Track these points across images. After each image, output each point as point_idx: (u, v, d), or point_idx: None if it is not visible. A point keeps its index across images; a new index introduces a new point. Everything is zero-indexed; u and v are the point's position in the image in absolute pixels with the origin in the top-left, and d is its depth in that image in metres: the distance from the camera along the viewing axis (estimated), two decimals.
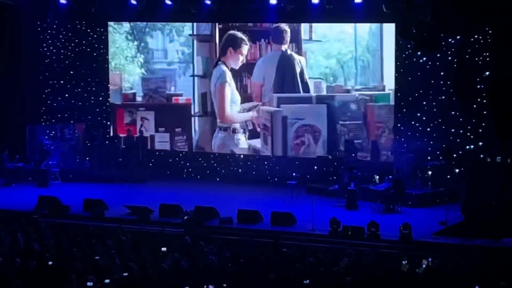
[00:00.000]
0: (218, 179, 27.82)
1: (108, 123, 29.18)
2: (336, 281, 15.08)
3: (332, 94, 26.39)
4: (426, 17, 21.59)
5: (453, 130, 24.61)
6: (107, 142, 28.64)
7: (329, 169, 25.91)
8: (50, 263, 16.12)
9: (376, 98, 25.94)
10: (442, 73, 24.75)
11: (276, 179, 26.95)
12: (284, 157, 27.14)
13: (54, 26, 28.98)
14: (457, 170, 24.11)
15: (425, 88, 25.04)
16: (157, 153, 28.81)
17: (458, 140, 24.50)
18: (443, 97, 24.78)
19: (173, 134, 28.34)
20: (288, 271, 15.60)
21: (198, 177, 28.11)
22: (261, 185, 26.71)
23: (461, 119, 24.46)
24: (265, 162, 27.51)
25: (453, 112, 24.59)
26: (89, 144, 28.97)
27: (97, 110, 29.28)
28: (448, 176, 24.25)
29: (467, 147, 24.11)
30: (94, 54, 29.18)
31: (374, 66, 26.21)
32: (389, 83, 25.79)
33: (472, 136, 24.22)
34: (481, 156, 23.42)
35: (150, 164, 28.58)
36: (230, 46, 27.34)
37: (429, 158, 24.58)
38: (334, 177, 25.16)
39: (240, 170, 27.81)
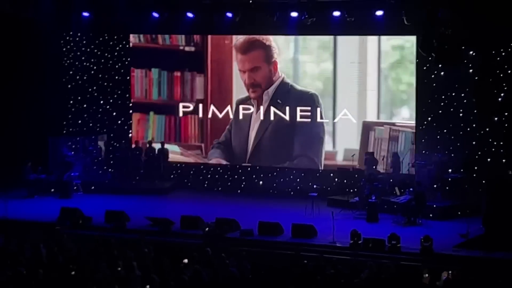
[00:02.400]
0: (239, 191, 27.88)
1: (130, 135, 29.31)
2: None
3: None
4: (448, 30, 21.62)
5: (474, 142, 24.56)
6: (128, 154, 28.76)
7: (350, 182, 25.90)
8: (72, 273, 16.22)
9: None
10: (463, 86, 24.72)
11: (296, 191, 26.98)
12: (305, 169, 27.18)
13: (77, 39, 29.22)
14: (478, 183, 24.09)
15: (446, 101, 25.02)
16: (178, 164, 28.90)
17: (479, 153, 24.45)
18: (464, 110, 24.75)
19: None
20: (308, 283, 15.61)
21: (220, 189, 28.17)
22: (282, 197, 26.77)
23: (482, 132, 24.41)
24: (286, 174, 27.53)
25: (474, 125, 24.55)
26: (111, 156, 29.14)
27: (119, 122, 29.42)
28: (469, 189, 24.22)
29: (488, 159, 24.08)
30: (116, 66, 29.33)
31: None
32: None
33: (493, 149, 24.17)
34: (503, 168, 23.42)
35: (172, 176, 28.69)
36: None
37: (450, 170, 24.55)
38: (355, 190, 25.17)
39: (261, 182, 27.86)
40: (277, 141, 26.37)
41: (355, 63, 26.45)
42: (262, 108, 26.29)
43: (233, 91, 24.90)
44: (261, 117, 26.54)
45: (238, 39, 24.75)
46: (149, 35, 26.19)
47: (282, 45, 26.17)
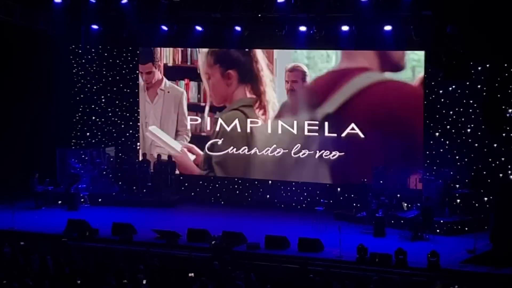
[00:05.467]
0: (245, 204, 27.89)
1: (138, 147, 29.39)
2: None
3: None
4: (456, 46, 21.64)
5: (482, 158, 24.52)
6: (136, 166, 28.80)
7: (357, 196, 25.88)
8: (78, 285, 16.25)
9: None
10: (471, 101, 24.73)
11: (303, 205, 27.01)
12: (312, 183, 27.22)
13: (86, 51, 29.34)
14: (486, 198, 24.05)
15: (454, 116, 25.02)
16: (182, 177, 28.93)
17: (487, 169, 24.40)
18: (472, 125, 24.74)
19: None
20: None
21: (227, 202, 28.15)
22: (288, 210, 26.79)
23: (490, 147, 24.37)
24: (293, 188, 27.55)
25: (482, 141, 24.52)
26: (117, 166, 29.19)
27: (127, 134, 29.51)
28: (477, 204, 24.19)
29: (496, 175, 24.02)
30: (125, 78, 29.46)
31: None
32: None
33: (501, 165, 24.11)
34: (510, 184, 23.37)
35: (179, 189, 28.72)
36: None
37: (457, 186, 24.52)
38: (362, 204, 25.13)
39: (268, 196, 27.87)
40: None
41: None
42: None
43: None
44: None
45: (289, 65, 27.62)
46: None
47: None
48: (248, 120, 27.95)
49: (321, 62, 27.42)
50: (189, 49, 28.58)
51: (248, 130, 27.93)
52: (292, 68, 27.51)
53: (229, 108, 28.27)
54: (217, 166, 28.56)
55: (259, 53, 27.85)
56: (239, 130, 28.09)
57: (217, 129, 28.40)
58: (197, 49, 28.52)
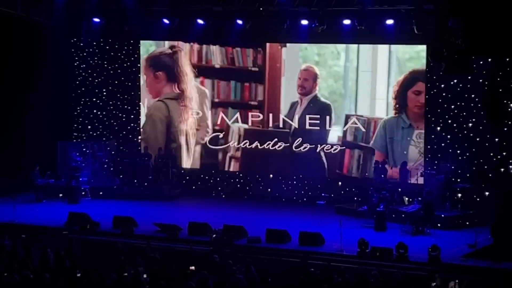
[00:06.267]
0: (245, 197, 27.89)
1: (139, 140, 29.39)
2: None
3: None
4: (458, 39, 21.58)
5: (483, 152, 24.50)
6: (137, 159, 28.80)
7: (358, 190, 25.87)
8: (79, 278, 16.23)
9: None
10: (473, 96, 24.70)
11: (304, 199, 27.00)
12: (314, 177, 27.21)
13: (87, 44, 29.31)
14: (487, 193, 24.03)
15: (455, 110, 25.00)
16: (183, 171, 28.93)
17: (488, 163, 24.38)
18: (473, 120, 24.73)
19: None
20: None
21: (227, 195, 28.17)
22: (289, 204, 26.78)
23: (491, 142, 24.35)
24: (294, 182, 27.54)
25: (483, 135, 24.50)
26: (118, 159, 29.19)
27: (128, 127, 29.50)
28: (478, 199, 24.17)
29: (497, 170, 24.00)
30: (126, 72, 29.43)
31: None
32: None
33: (502, 159, 24.09)
34: (511, 179, 23.36)
35: (183, 182, 28.71)
36: None
37: (459, 180, 24.50)
38: (362, 198, 25.13)
39: (269, 189, 27.86)
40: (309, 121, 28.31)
41: (367, 72, 26.99)
42: (303, 105, 27.99)
43: (281, 95, 28.29)
44: (301, 111, 27.97)
45: (304, 65, 28.13)
46: (230, 59, 29.08)
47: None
48: (172, 110, 29.04)
49: (331, 59, 27.62)
50: (204, 49, 28.89)
51: (291, 109, 28.41)
52: (306, 67, 27.84)
53: (156, 99, 29.37)
54: (142, 142, 29.45)
55: (184, 58, 28.80)
56: (161, 117, 29.07)
57: (144, 117, 29.46)
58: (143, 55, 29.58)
